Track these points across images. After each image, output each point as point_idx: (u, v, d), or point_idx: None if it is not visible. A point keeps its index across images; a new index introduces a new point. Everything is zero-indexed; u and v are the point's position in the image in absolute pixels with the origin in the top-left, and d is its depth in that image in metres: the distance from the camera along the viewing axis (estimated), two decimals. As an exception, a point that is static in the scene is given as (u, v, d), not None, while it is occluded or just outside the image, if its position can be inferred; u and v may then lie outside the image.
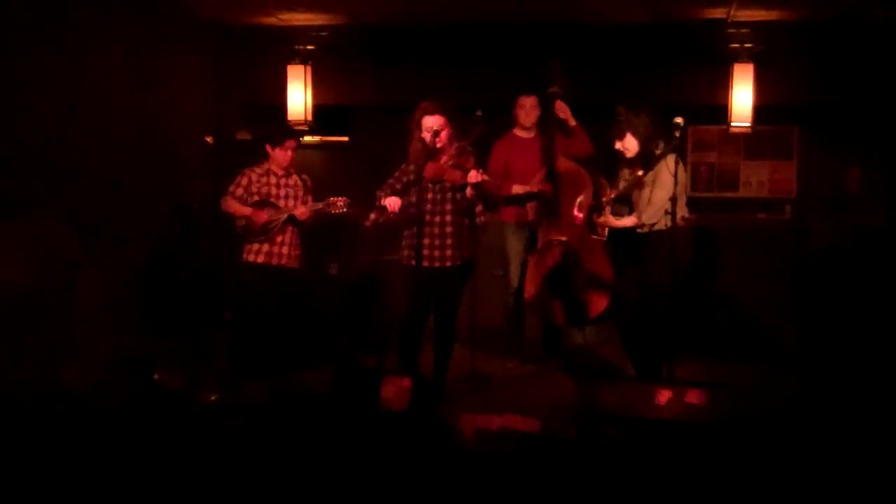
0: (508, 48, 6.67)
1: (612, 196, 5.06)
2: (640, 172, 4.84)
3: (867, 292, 5.76)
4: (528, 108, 5.78)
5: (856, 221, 6.08)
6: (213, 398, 4.49)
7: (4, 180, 4.59)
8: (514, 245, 5.84)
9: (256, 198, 5.45)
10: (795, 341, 5.91)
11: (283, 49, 6.87)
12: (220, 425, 4.23)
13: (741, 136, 7.01)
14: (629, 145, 4.96)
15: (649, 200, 4.86)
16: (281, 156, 5.50)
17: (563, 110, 5.54)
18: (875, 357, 5.29)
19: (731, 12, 6.13)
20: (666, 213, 4.80)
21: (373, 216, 4.87)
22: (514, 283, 5.86)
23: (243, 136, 7.18)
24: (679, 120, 4.98)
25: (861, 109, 6.35)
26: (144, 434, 3.95)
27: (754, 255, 6.34)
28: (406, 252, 4.90)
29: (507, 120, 5.91)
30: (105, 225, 5.22)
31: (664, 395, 4.22)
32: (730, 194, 7.04)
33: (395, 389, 4.32)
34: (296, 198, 5.52)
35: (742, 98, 6.34)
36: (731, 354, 5.82)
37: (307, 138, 7.20)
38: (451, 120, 4.79)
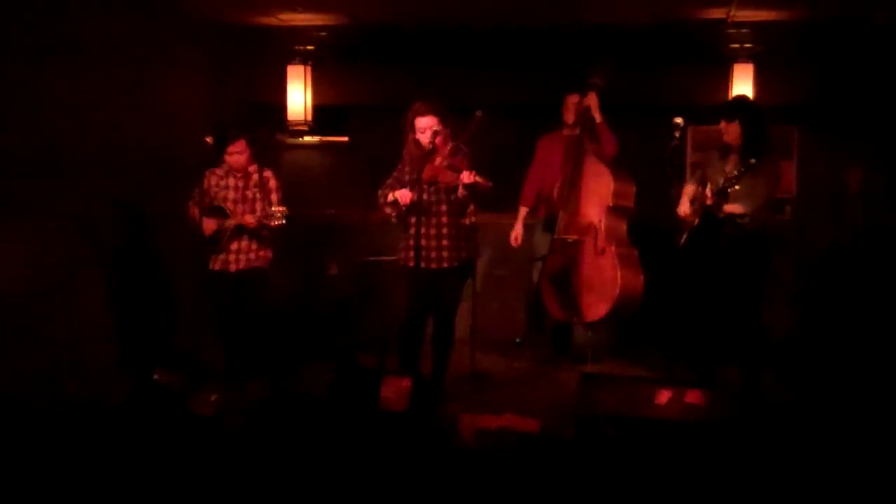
0: (508, 49, 6.67)
1: (734, 177, 4.69)
2: (753, 161, 4.62)
3: (867, 292, 5.75)
4: (569, 106, 5.80)
5: (856, 221, 6.08)
6: (213, 398, 4.49)
7: (5, 180, 4.59)
8: (542, 241, 5.84)
9: (214, 202, 5.24)
10: (795, 341, 5.90)
11: (283, 49, 6.87)
12: (219, 425, 4.23)
13: (741, 137, 7.01)
14: (731, 130, 4.84)
15: (751, 192, 4.70)
16: (232, 161, 5.23)
17: (592, 102, 5.52)
18: (875, 357, 5.30)
19: (731, 12, 6.13)
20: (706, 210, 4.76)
21: (391, 212, 4.85)
22: (537, 277, 5.86)
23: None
24: (679, 120, 4.97)
25: (861, 109, 6.35)
26: (144, 434, 3.95)
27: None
28: (404, 253, 4.90)
29: (508, 120, 5.93)
30: (105, 225, 5.22)
31: (664, 395, 4.22)
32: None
33: (394, 389, 4.32)
34: (254, 201, 5.25)
35: (742, 98, 6.33)
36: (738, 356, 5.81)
37: (307, 138, 7.21)
38: (445, 120, 4.78)
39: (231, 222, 5.17)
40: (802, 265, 6.25)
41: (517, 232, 5.93)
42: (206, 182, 5.29)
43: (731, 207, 4.76)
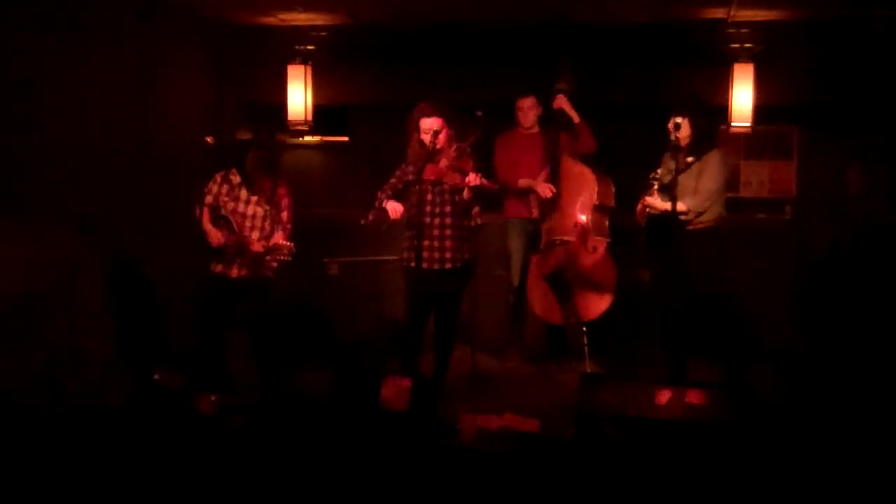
0: (509, 48, 6.67)
1: (658, 175, 4.98)
2: (690, 159, 4.84)
3: (867, 292, 5.75)
4: (525, 110, 5.81)
5: (856, 221, 6.07)
6: (213, 398, 4.49)
7: (5, 181, 4.59)
8: (516, 243, 5.85)
9: (222, 211, 5.11)
10: (795, 341, 5.91)
11: (283, 49, 6.86)
12: (220, 425, 4.24)
13: (741, 136, 7.01)
14: (682, 130, 4.93)
15: (696, 189, 4.86)
16: (258, 177, 5.10)
17: (563, 104, 5.55)
18: (875, 357, 5.29)
19: (731, 12, 6.12)
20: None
21: (371, 217, 4.83)
22: (515, 281, 5.87)
23: (243, 136, 7.19)
24: (679, 119, 4.99)
25: (861, 109, 6.35)
26: (145, 434, 3.95)
27: (754, 255, 6.34)
28: (406, 254, 4.90)
29: (508, 120, 5.93)
30: (105, 225, 5.22)
31: (664, 395, 4.22)
32: (730, 194, 7.01)
33: (395, 389, 4.32)
34: (264, 218, 5.12)
35: (742, 98, 6.33)
36: (731, 354, 5.81)
37: (307, 138, 7.21)
38: (450, 121, 4.78)
39: (236, 240, 5.04)
40: (802, 265, 6.25)
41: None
42: (216, 187, 5.15)
43: (668, 205, 4.88)
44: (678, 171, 4.81)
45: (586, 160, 5.62)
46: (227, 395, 4.58)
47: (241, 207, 5.14)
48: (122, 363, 4.76)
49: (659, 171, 5.01)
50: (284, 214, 5.18)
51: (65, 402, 4.20)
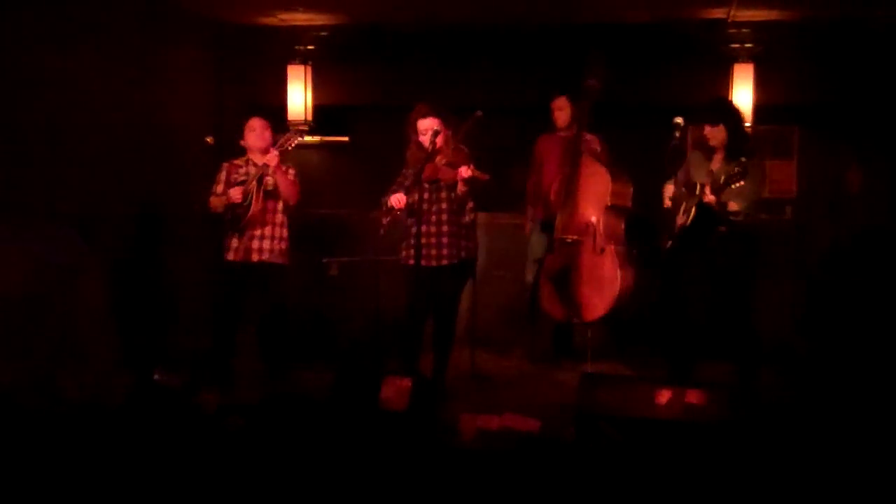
0: (508, 49, 6.67)
1: (736, 174, 4.73)
2: (744, 159, 4.68)
3: (868, 292, 5.76)
4: (558, 109, 5.80)
5: (856, 221, 6.08)
6: (213, 398, 4.49)
7: (5, 181, 4.59)
8: (539, 242, 5.84)
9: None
10: (795, 341, 5.91)
11: (283, 49, 6.87)
12: (220, 425, 4.23)
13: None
14: (717, 134, 4.89)
15: (740, 192, 4.73)
16: (251, 139, 5.12)
17: (593, 143, 5.56)
18: (876, 357, 5.30)
19: (731, 12, 6.13)
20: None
21: (385, 221, 4.86)
22: (529, 279, 5.86)
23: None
24: (679, 120, 4.98)
25: (861, 109, 6.35)
26: (145, 434, 3.95)
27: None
28: (405, 252, 4.91)
29: (508, 121, 5.93)
30: (105, 226, 5.22)
31: (664, 395, 4.22)
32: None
33: (395, 389, 4.32)
34: (272, 191, 5.10)
35: (742, 98, 6.34)
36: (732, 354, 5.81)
37: (307, 138, 7.21)
38: (447, 120, 4.79)
39: (253, 178, 5.00)
40: (802, 265, 6.25)
41: (528, 230, 6.02)
42: (224, 174, 5.18)
43: (733, 206, 4.79)
44: (739, 174, 4.61)
45: (608, 160, 5.58)
46: (227, 394, 4.58)
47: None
48: (122, 363, 4.76)
49: (723, 177, 4.71)
50: (291, 172, 5.15)
51: (64, 401, 4.21)
